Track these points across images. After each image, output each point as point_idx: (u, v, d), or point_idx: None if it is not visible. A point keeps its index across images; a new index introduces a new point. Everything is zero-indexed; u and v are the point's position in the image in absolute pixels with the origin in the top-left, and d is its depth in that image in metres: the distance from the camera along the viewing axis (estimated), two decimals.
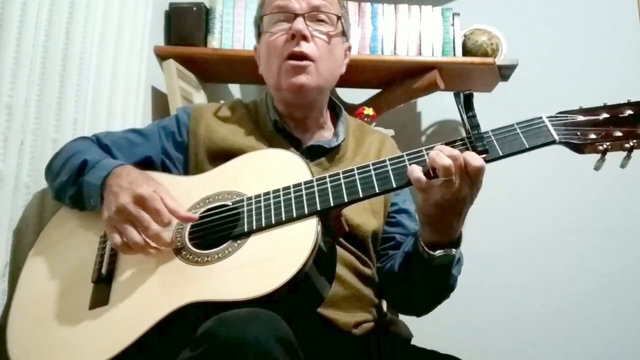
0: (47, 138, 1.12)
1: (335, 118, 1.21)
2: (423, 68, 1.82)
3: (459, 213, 0.88)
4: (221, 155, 1.06)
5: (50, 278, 0.94)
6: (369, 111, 1.79)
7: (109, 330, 0.83)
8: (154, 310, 0.81)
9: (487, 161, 0.86)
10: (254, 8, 1.75)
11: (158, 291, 0.85)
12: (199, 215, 0.94)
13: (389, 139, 1.25)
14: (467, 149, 0.87)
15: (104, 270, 0.91)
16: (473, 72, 1.87)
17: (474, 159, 0.83)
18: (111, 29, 1.36)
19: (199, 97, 1.81)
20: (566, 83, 2.11)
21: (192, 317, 0.78)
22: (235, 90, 2.25)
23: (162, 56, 1.71)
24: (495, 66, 1.83)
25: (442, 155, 0.83)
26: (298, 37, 1.08)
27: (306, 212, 0.87)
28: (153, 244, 0.88)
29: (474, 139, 0.86)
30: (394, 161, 0.90)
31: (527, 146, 0.86)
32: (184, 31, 1.76)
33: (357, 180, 0.89)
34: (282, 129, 1.13)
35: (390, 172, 0.89)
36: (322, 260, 0.84)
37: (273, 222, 0.88)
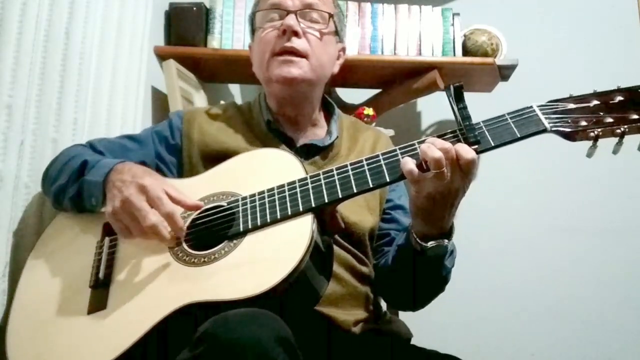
0: (47, 138, 1.12)
1: (328, 116, 1.21)
2: (423, 68, 1.82)
3: (451, 205, 0.89)
4: (215, 157, 1.07)
5: (48, 284, 0.94)
6: (369, 111, 1.79)
7: (108, 334, 0.83)
8: (152, 313, 0.81)
9: (479, 152, 0.86)
10: None
11: (155, 293, 0.85)
12: (195, 216, 0.94)
13: (383, 135, 1.25)
14: (458, 140, 0.87)
15: (101, 275, 0.91)
16: (473, 72, 1.87)
17: (466, 151, 0.83)
18: (111, 29, 1.36)
19: (199, 97, 1.81)
20: (566, 83, 2.08)
21: (190, 318, 0.78)
22: (235, 90, 2.25)
23: (162, 56, 1.71)
24: (495, 66, 1.83)
25: (433, 148, 0.83)
26: (289, 32, 1.09)
27: (301, 209, 0.87)
28: (151, 236, 0.88)
29: (466, 130, 0.87)
30: (387, 155, 0.90)
31: (519, 135, 0.86)
32: (184, 31, 1.76)
33: (351, 176, 0.89)
34: (275, 129, 1.14)
35: (384, 166, 0.89)
36: (318, 257, 0.84)
37: (268, 220, 0.88)
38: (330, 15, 1.15)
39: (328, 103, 1.23)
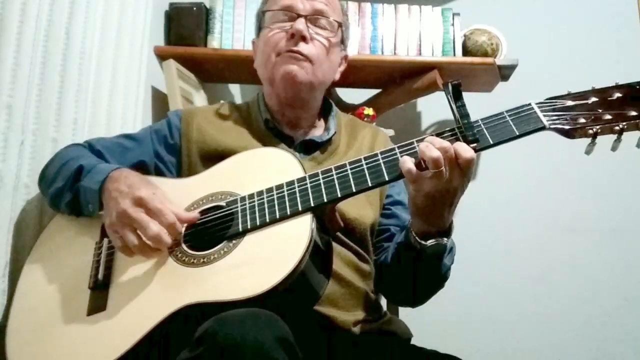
0: (47, 138, 1.12)
1: (326, 114, 1.22)
2: (423, 68, 1.83)
3: (450, 204, 0.89)
4: (214, 156, 1.07)
5: (47, 285, 0.94)
6: (369, 111, 1.79)
7: (107, 336, 0.83)
8: (152, 314, 0.81)
9: (478, 150, 0.85)
10: (254, 8, 1.76)
11: (155, 294, 0.85)
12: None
13: (381, 132, 1.26)
14: (457, 139, 0.87)
15: (100, 276, 0.91)
16: (473, 72, 1.87)
17: (465, 150, 0.83)
18: (111, 29, 1.36)
19: (199, 97, 1.81)
20: (566, 83, 2.09)
21: (190, 318, 0.78)
22: (235, 90, 2.25)
23: (162, 56, 1.71)
24: (495, 66, 1.83)
25: (431, 147, 0.83)
26: (298, 37, 1.09)
27: (300, 209, 0.87)
28: (155, 246, 0.88)
29: (464, 129, 0.86)
30: (386, 154, 0.90)
31: (517, 133, 0.86)
32: (184, 31, 1.76)
33: (350, 175, 0.89)
34: (273, 127, 1.14)
35: (383, 165, 0.89)
36: (318, 256, 0.84)
37: (267, 220, 0.88)
38: (340, 25, 1.16)
39: (326, 101, 1.23)
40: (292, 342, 0.70)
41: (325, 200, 0.88)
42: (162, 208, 0.88)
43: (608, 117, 0.85)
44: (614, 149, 0.85)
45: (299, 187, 0.90)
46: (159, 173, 1.11)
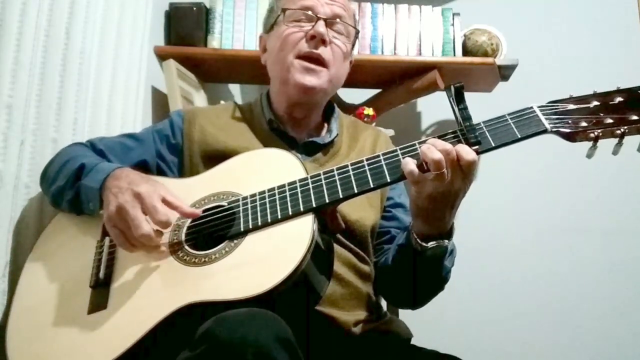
0: (47, 138, 1.12)
1: (328, 115, 1.22)
2: (423, 68, 1.83)
3: (451, 205, 0.89)
4: (216, 156, 1.07)
5: (48, 285, 0.94)
6: (369, 111, 1.79)
7: (108, 335, 0.83)
8: (153, 313, 0.81)
9: (479, 152, 0.86)
10: (254, 8, 1.78)
11: (156, 293, 0.85)
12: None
13: (382, 133, 1.26)
14: (459, 141, 0.87)
15: (101, 275, 0.91)
16: (473, 72, 1.87)
17: (467, 152, 0.84)
18: (111, 29, 1.36)
19: (199, 97, 1.81)
20: (566, 83, 2.09)
21: (191, 318, 0.78)
22: (235, 90, 2.25)
23: (162, 56, 1.71)
24: (495, 66, 1.83)
25: (433, 149, 0.83)
26: (318, 39, 1.10)
27: (301, 209, 0.87)
28: (145, 243, 0.88)
29: (466, 131, 0.87)
30: (388, 156, 0.90)
31: (519, 136, 0.86)
32: (184, 31, 1.76)
33: (352, 176, 0.90)
34: (276, 128, 1.14)
35: (385, 166, 0.89)
36: (319, 257, 0.84)
37: (269, 220, 0.88)
38: (357, 33, 1.19)
39: (328, 102, 1.23)
40: (293, 342, 0.70)
41: (327, 201, 0.88)
42: (156, 206, 0.88)
43: (609, 121, 0.85)
44: (615, 152, 0.86)
45: (300, 187, 0.90)
46: (161, 173, 1.12)
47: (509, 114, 0.88)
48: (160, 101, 1.67)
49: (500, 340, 2.05)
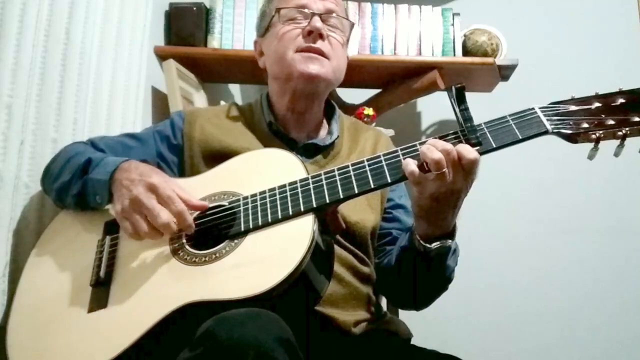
0: (47, 138, 1.12)
1: (329, 116, 1.22)
2: (423, 68, 1.83)
3: (453, 205, 0.89)
4: (216, 157, 1.07)
5: (49, 283, 0.94)
6: (369, 111, 1.79)
7: (108, 333, 0.83)
8: (152, 312, 0.81)
9: (480, 153, 0.86)
10: (254, 8, 1.78)
11: (156, 292, 0.85)
12: (196, 215, 0.94)
13: (383, 135, 1.25)
14: (460, 142, 0.87)
15: (102, 273, 0.91)
16: (473, 72, 1.87)
17: (468, 151, 0.84)
18: (111, 29, 1.36)
19: (199, 97, 1.81)
20: (566, 83, 2.09)
21: (191, 317, 0.78)
22: (235, 90, 2.25)
23: (162, 56, 1.71)
24: (495, 66, 1.83)
25: (432, 149, 0.84)
26: (315, 34, 1.10)
27: (302, 209, 0.87)
28: (164, 233, 0.89)
29: (467, 132, 0.87)
30: (389, 156, 0.90)
31: (520, 137, 0.86)
32: (184, 31, 1.76)
33: (352, 177, 0.90)
34: (276, 130, 1.14)
35: (385, 167, 0.89)
36: (319, 257, 0.84)
37: (269, 220, 0.88)
38: (352, 25, 1.19)
39: (329, 103, 1.23)
40: (293, 342, 0.70)
41: (328, 201, 0.88)
42: (172, 195, 0.89)
43: (611, 122, 0.85)
44: (616, 154, 0.86)
45: (301, 187, 0.90)
46: None
47: (510, 115, 0.88)
48: (160, 101, 1.67)
49: (500, 340, 2.06)
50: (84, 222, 1.02)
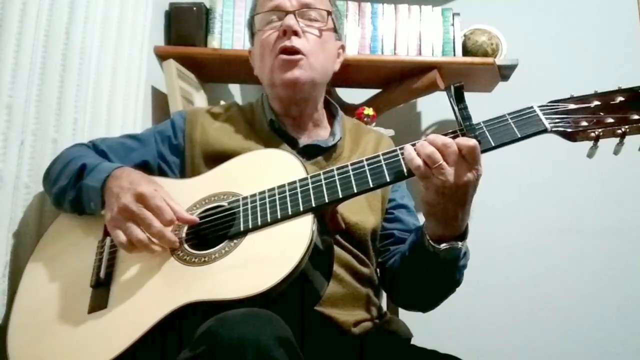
0: (47, 138, 1.12)
1: (331, 118, 1.22)
2: (423, 68, 1.82)
3: (462, 202, 0.87)
4: (217, 157, 1.07)
5: (50, 285, 0.94)
6: (369, 111, 1.79)
7: (108, 334, 0.83)
8: (152, 312, 0.81)
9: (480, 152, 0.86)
10: None
11: (156, 293, 0.85)
12: (196, 215, 0.94)
13: (385, 137, 1.25)
14: None
15: (102, 274, 0.91)
16: (473, 72, 1.87)
17: (466, 140, 0.84)
18: (111, 29, 1.36)
19: (199, 97, 1.81)
20: (566, 83, 2.09)
21: (190, 317, 0.78)
22: (235, 90, 2.25)
23: (162, 56, 1.71)
24: (495, 66, 1.83)
25: (425, 144, 0.84)
26: (289, 32, 1.09)
27: (301, 209, 0.87)
28: (157, 242, 0.88)
29: (466, 131, 0.87)
30: (388, 156, 0.90)
31: (519, 136, 0.86)
32: (184, 31, 1.76)
33: (352, 176, 0.90)
34: (278, 128, 1.14)
35: (384, 166, 0.89)
36: (318, 257, 0.84)
37: (269, 220, 0.88)
38: (329, 13, 1.16)
39: (331, 104, 1.23)
40: (292, 342, 0.70)
41: (327, 200, 0.88)
42: (161, 205, 0.89)
43: (610, 120, 0.85)
44: (616, 152, 0.86)
45: (300, 187, 0.90)
46: (163, 174, 1.12)
47: (509, 114, 0.88)
48: (160, 101, 1.67)
49: (500, 340, 2.05)
50: (83, 224, 1.02)
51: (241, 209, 0.91)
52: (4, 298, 0.99)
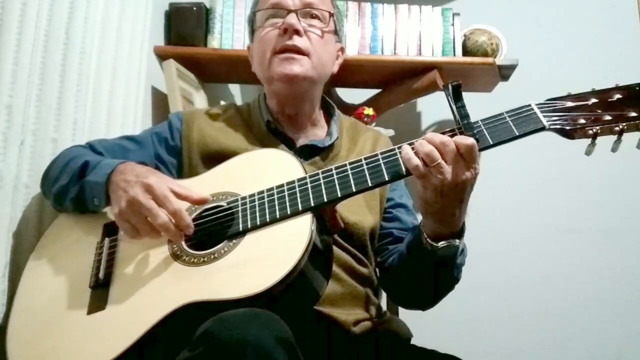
0: (47, 138, 1.12)
1: (328, 117, 1.22)
2: (423, 68, 1.82)
3: (460, 200, 0.87)
4: (215, 158, 1.07)
5: (49, 286, 0.94)
6: (369, 111, 1.79)
7: (107, 335, 0.83)
8: (151, 312, 0.81)
9: (478, 150, 0.86)
10: None
11: (155, 293, 0.85)
12: (195, 216, 0.94)
13: (382, 136, 1.25)
14: None
15: (101, 275, 0.91)
16: (473, 72, 1.87)
17: (464, 138, 0.84)
18: (111, 29, 1.36)
19: (199, 97, 1.81)
20: (566, 83, 2.08)
21: (190, 317, 0.78)
22: (235, 90, 2.25)
23: (162, 56, 1.71)
24: (495, 66, 1.83)
25: (424, 143, 0.84)
26: (290, 31, 1.09)
27: (300, 208, 0.87)
28: (163, 234, 0.88)
29: (464, 129, 0.87)
30: (386, 155, 0.90)
31: (517, 134, 0.86)
32: (184, 31, 1.76)
33: (350, 175, 0.90)
34: (274, 129, 1.14)
35: (383, 165, 0.89)
36: (317, 256, 0.84)
37: (267, 220, 0.88)
38: (331, 15, 1.16)
39: (328, 104, 1.23)
40: (292, 342, 0.70)
41: (326, 200, 0.88)
42: (167, 195, 0.89)
43: (608, 117, 0.85)
44: (614, 149, 0.86)
45: (299, 187, 0.90)
46: None
47: (507, 112, 0.88)
48: (160, 101, 1.67)
49: (500, 340, 2.05)
50: (82, 225, 1.02)
51: (240, 209, 0.91)
52: (4, 298, 0.99)
